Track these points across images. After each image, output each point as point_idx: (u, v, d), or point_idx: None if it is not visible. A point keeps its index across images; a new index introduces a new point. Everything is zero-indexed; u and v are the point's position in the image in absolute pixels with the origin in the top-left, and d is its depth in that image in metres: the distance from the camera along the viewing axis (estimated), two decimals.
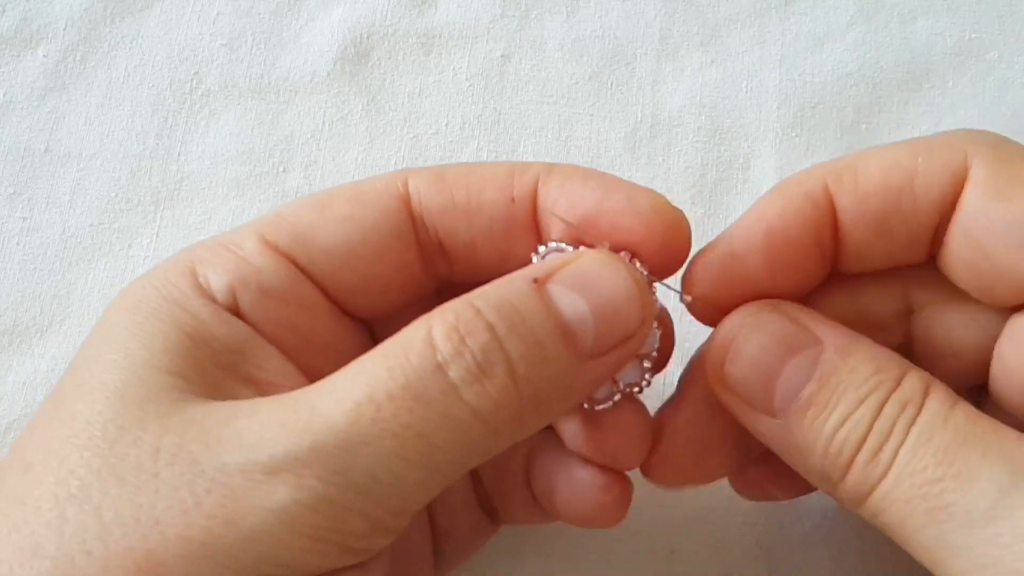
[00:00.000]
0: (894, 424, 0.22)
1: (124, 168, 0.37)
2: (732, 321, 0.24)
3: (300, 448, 0.20)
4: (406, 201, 0.25)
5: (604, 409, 0.25)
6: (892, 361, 0.23)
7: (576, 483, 0.26)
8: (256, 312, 0.24)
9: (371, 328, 0.27)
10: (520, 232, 0.25)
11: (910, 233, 0.24)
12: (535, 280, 0.22)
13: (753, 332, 0.24)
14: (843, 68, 0.39)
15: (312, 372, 0.24)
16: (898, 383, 0.22)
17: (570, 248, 0.24)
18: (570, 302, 0.22)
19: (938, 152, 0.24)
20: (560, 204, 0.25)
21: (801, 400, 0.23)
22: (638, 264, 0.24)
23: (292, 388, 0.23)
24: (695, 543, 0.32)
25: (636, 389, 0.25)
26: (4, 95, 0.38)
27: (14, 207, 0.36)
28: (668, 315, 0.26)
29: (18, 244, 0.36)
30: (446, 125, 0.38)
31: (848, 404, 0.22)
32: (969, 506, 0.21)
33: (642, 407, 0.26)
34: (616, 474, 0.26)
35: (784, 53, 0.39)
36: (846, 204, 0.24)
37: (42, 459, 0.21)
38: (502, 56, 0.39)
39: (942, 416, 0.22)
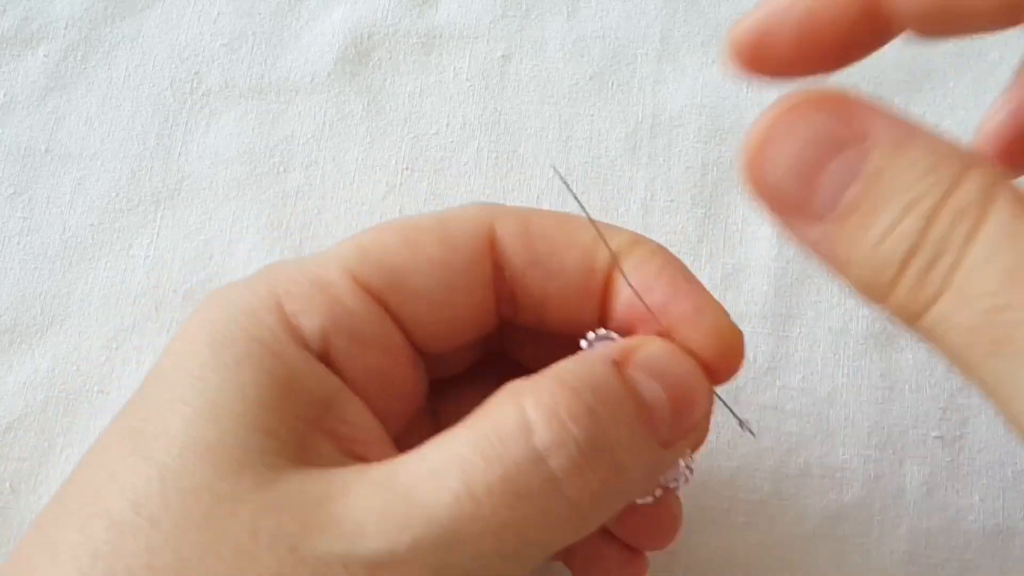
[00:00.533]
0: (948, 236, 0.18)
1: (124, 168, 0.37)
2: (767, 117, 0.21)
3: (401, 545, 0.20)
4: (492, 246, 0.24)
5: (645, 504, 0.25)
6: (951, 158, 0.19)
7: (598, 555, 0.26)
8: (345, 360, 0.23)
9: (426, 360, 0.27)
10: (590, 301, 0.25)
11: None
12: (615, 362, 0.22)
13: (790, 129, 0.20)
14: (844, 69, 0.39)
15: (384, 413, 0.24)
16: (957, 184, 0.18)
17: (618, 337, 0.24)
18: (650, 388, 0.22)
19: None
20: (629, 290, 0.24)
21: (844, 205, 0.19)
22: None
23: (373, 443, 0.22)
24: (695, 543, 0.32)
25: (675, 485, 0.25)
26: (5, 95, 0.38)
27: (14, 207, 0.36)
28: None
29: (18, 244, 0.36)
30: (446, 125, 0.38)
31: (896, 210, 0.19)
32: None
33: (677, 497, 0.26)
34: (638, 552, 0.26)
35: None
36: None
37: (131, 518, 0.20)
38: (503, 56, 0.39)
39: (1010, 230, 0.18)
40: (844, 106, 0.20)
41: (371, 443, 0.23)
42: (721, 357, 0.24)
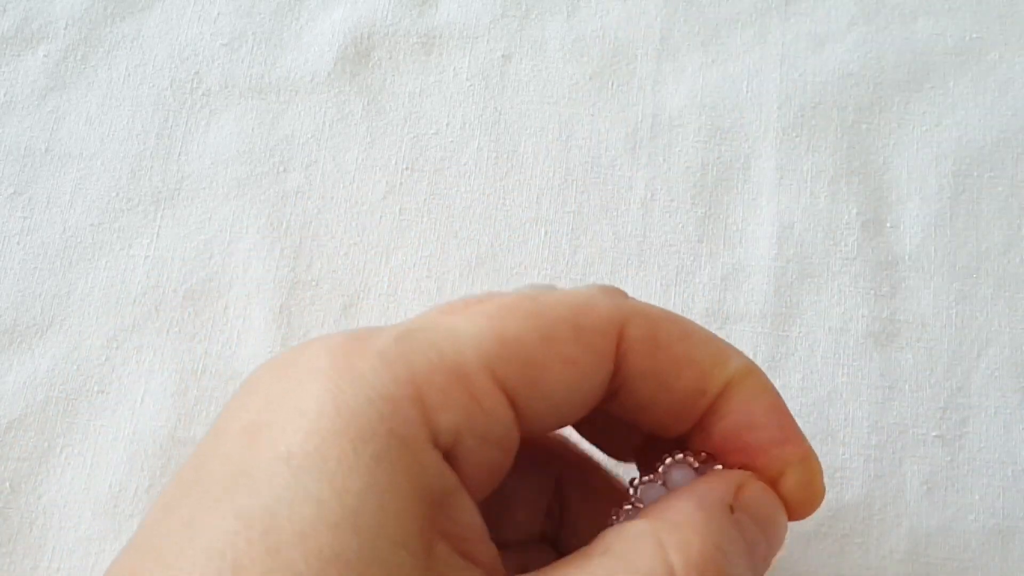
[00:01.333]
0: None
1: (124, 168, 0.37)
2: None
3: None
4: (618, 345, 0.24)
5: None
6: None
7: None
8: (468, 457, 0.22)
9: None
10: (690, 420, 0.25)
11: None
12: (731, 508, 0.22)
13: None
14: (844, 68, 0.39)
15: (477, 498, 0.23)
16: None
17: (692, 459, 0.24)
18: (755, 540, 0.23)
19: None
20: (732, 418, 0.24)
21: None
22: None
23: (480, 542, 0.22)
24: None
25: None
26: (4, 95, 0.38)
27: (14, 207, 0.36)
28: None
29: (18, 244, 0.36)
30: (446, 125, 0.38)
31: None
32: None
33: None
34: None
35: (785, 53, 0.39)
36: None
37: None
38: (502, 56, 0.39)
39: None
40: None
41: (476, 541, 0.22)
42: (806, 507, 0.25)
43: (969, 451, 0.33)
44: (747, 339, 0.34)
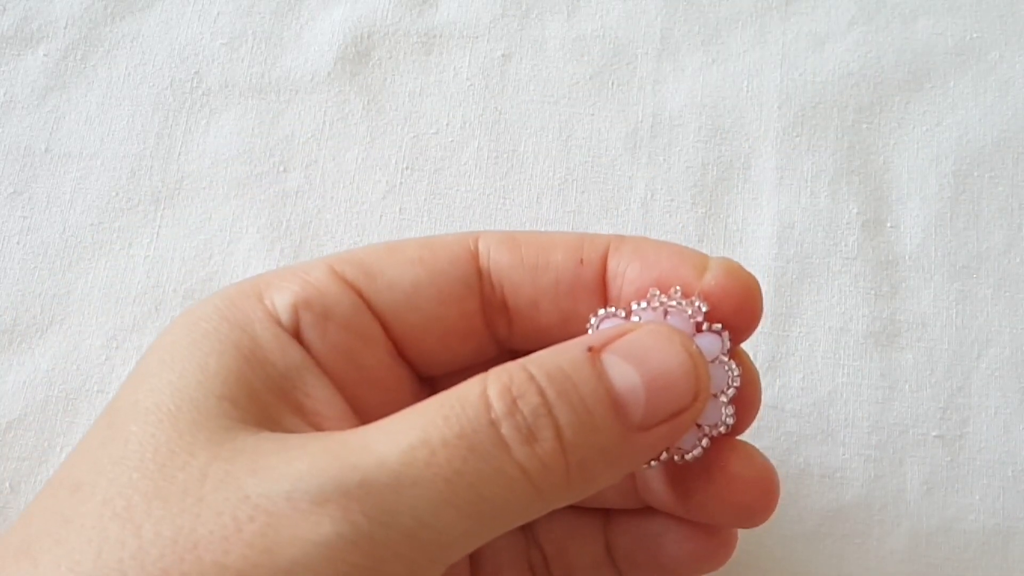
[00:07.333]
0: None
1: (124, 167, 0.37)
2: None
3: (350, 482, 0.20)
4: (475, 255, 0.26)
5: (694, 457, 0.25)
6: None
7: (652, 539, 0.27)
8: (314, 335, 0.24)
9: (427, 385, 0.27)
10: (587, 295, 0.25)
11: None
12: (590, 349, 0.22)
13: None
14: (844, 68, 0.39)
15: (361, 407, 0.24)
16: None
17: (617, 309, 0.24)
18: (622, 373, 0.22)
19: None
20: (633, 267, 0.25)
21: None
22: (701, 318, 0.24)
23: (339, 421, 0.23)
24: None
25: (722, 429, 0.25)
26: (4, 94, 0.38)
27: (14, 206, 0.36)
28: (746, 357, 0.26)
29: (18, 243, 0.36)
30: (446, 125, 0.38)
31: None
32: None
33: (761, 462, 0.26)
34: (713, 533, 0.27)
35: (785, 53, 0.39)
36: None
37: (92, 479, 0.21)
38: (503, 56, 0.39)
39: None
40: None
41: (336, 419, 0.23)
42: (739, 299, 0.25)
43: (969, 451, 0.33)
44: (747, 340, 0.34)
